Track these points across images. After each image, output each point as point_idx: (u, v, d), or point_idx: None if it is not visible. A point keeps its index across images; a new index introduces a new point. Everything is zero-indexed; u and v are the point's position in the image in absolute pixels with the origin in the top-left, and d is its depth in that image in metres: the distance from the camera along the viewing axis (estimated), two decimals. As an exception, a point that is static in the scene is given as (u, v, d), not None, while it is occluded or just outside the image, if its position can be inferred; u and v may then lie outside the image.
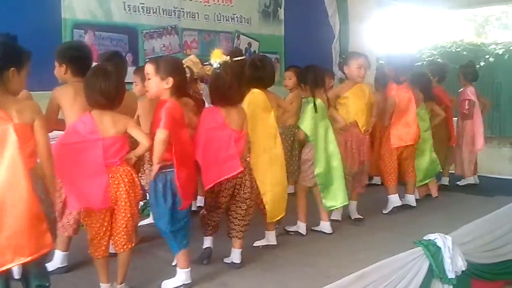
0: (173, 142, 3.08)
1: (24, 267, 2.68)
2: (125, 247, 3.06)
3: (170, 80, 3.16)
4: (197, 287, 3.27)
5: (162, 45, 5.53)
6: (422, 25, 9.77)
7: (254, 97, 3.87)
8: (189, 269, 3.25)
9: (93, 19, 4.99)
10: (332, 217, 4.63)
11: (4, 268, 2.46)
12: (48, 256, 2.81)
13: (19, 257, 2.47)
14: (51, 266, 3.44)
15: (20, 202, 2.46)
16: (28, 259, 2.50)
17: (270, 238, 4.00)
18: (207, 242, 3.66)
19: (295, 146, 5.01)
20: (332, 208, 4.36)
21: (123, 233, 3.04)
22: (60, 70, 3.43)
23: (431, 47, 10.03)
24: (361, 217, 4.77)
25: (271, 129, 3.92)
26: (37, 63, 3.68)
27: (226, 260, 3.64)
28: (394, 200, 5.06)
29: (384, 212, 5.03)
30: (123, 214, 3.01)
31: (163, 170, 3.13)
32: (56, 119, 3.33)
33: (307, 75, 4.37)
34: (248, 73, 3.88)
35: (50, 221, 2.60)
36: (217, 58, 3.50)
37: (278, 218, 3.98)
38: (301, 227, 4.33)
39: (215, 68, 3.50)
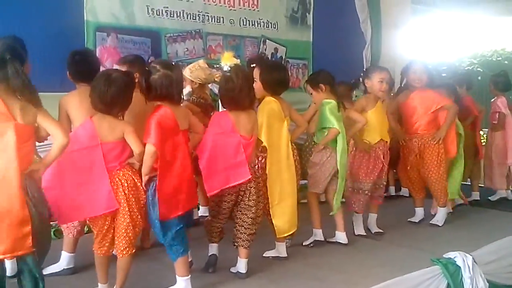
0: (160, 152, 3.02)
1: (18, 268, 2.69)
2: (124, 252, 3.01)
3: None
4: (198, 296, 3.21)
5: (186, 49, 5.48)
6: (461, 33, 9.42)
7: (271, 106, 3.76)
8: (189, 276, 3.18)
9: (116, 22, 4.97)
10: (357, 233, 4.49)
11: None
12: (43, 258, 2.78)
13: None
14: (57, 267, 3.50)
15: (7, 202, 2.47)
16: (1, 256, 2.52)
17: (280, 249, 3.88)
18: (213, 249, 3.59)
19: None
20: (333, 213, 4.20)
21: (122, 238, 3.00)
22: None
23: (470, 56, 9.68)
24: (382, 230, 4.59)
25: (284, 139, 3.79)
26: (60, 64, 3.75)
27: (232, 270, 3.56)
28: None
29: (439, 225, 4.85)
30: (122, 219, 2.97)
31: (154, 178, 3.07)
32: (68, 125, 3.33)
33: (320, 76, 4.27)
34: (260, 77, 3.78)
35: (41, 220, 2.59)
36: (228, 61, 3.44)
37: (290, 233, 3.84)
38: (318, 234, 4.20)
39: (225, 71, 3.43)
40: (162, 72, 3.09)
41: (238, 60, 3.49)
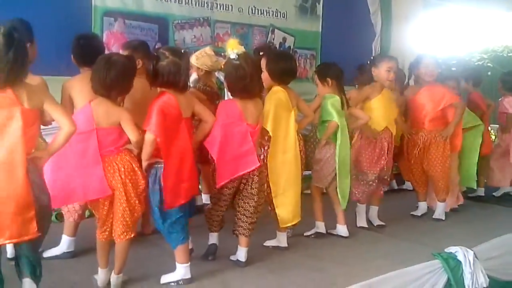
0: (163, 140, 3.00)
1: (16, 252, 2.70)
2: (121, 237, 3.01)
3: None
4: (196, 282, 3.21)
5: (193, 36, 5.45)
6: (472, 28, 9.31)
7: (278, 96, 3.73)
8: (188, 264, 3.19)
9: (124, 7, 4.96)
10: (359, 224, 4.49)
11: None
12: (40, 243, 2.75)
13: None
14: (57, 250, 3.52)
15: (13, 187, 2.45)
16: (6, 242, 2.51)
17: (281, 239, 3.88)
18: (213, 238, 3.59)
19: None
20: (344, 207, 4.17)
21: (119, 222, 2.99)
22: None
23: (481, 51, 9.57)
24: (383, 223, 4.58)
25: (291, 129, 3.76)
26: (67, 49, 3.75)
27: (232, 258, 3.56)
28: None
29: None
30: (119, 204, 2.96)
31: (155, 165, 3.06)
32: (71, 109, 3.30)
33: (330, 70, 4.18)
34: (267, 67, 3.76)
35: (41, 207, 2.57)
36: (234, 48, 3.38)
37: (293, 223, 3.82)
38: (320, 226, 4.20)
39: (233, 58, 3.39)
40: (171, 59, 3.06)
41: (242, 47, 3.43)
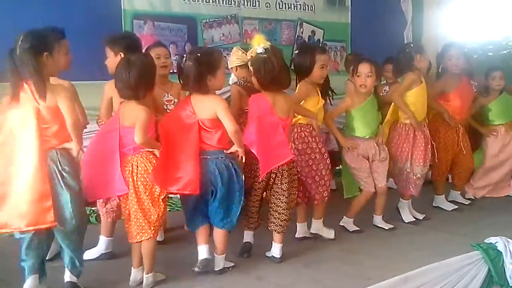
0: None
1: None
2: (138, 237, 3.02)
3: None
4: (231, 279, 3.25)
5: (222, 35, 5.47)
6: (508, 10, 8.99)
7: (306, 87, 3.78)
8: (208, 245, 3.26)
9: (152, 10, 5.02)
10: (407, 220, 4.42)
11: (4, 230, 2.75)
12: (78, 240, 2.92)
13: (18, 224, 2.71)
14: (96, 251, 3.57)
15: (28, 178, 2.69)
16: (25, 229, 2.72)
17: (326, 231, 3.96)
18: (248, 237, 3.63)
19: None
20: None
21: (133, 223, 3.01)
22: (115, 60, 3.30)
23: (518, 34, 9.23)
24: (424, 215, 4.50)
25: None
26: (99, 53, 3.83)
27: (267, 254, 3.57)
28: None
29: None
30: (131, 205, 2.99)
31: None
32: (109, 110, 3.41)
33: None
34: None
35: (72, 192, 2.81)
36: (261, 42, 3.41)
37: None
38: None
39: (260, 53, 3.40)
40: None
41: (268, 42, 3.45)
